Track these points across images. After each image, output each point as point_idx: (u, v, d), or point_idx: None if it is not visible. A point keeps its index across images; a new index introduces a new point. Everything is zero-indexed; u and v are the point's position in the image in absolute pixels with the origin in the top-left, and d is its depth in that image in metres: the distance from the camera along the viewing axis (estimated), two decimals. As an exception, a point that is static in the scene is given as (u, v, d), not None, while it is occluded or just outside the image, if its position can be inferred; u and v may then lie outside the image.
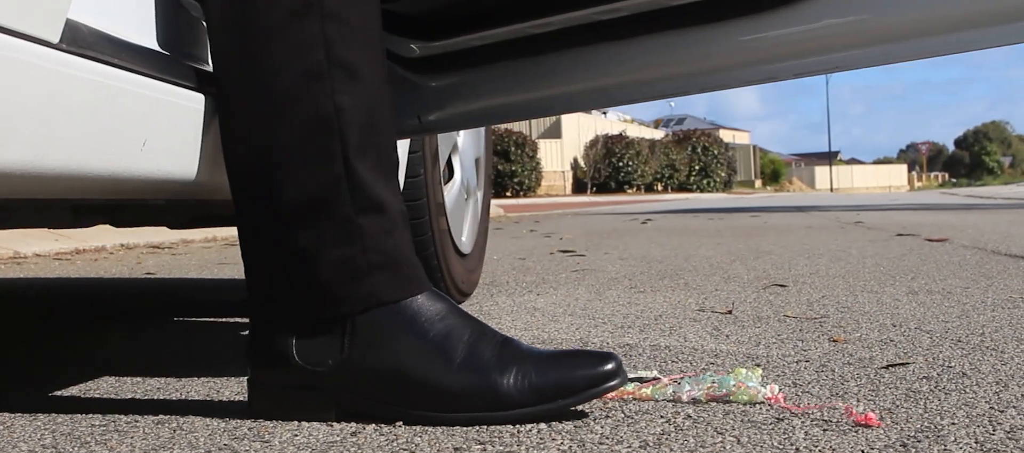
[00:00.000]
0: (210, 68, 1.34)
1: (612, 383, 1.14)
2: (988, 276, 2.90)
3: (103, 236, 5.63)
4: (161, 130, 1.16)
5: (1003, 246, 4.24)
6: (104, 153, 1.06)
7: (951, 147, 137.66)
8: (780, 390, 1.26)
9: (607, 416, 1.18)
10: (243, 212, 1.19)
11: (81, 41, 1.01)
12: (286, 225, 1.16)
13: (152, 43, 1.21)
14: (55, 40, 0.97)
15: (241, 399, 1.34)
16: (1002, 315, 2.03)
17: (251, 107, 1.16)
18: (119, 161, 1.09)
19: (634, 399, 1.27)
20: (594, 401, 1.23)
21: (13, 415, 1.28)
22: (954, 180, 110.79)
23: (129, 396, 1.42)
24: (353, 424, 1.16)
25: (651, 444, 1.06)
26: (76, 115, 1.01)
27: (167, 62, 1.20)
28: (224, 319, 2.36)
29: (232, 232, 5.37)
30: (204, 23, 1.38)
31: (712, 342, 1.80)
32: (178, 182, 1.23)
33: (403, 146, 2.06)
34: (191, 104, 1.22)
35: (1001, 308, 2.15)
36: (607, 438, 1.08)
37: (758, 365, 1.51)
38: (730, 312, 2.21)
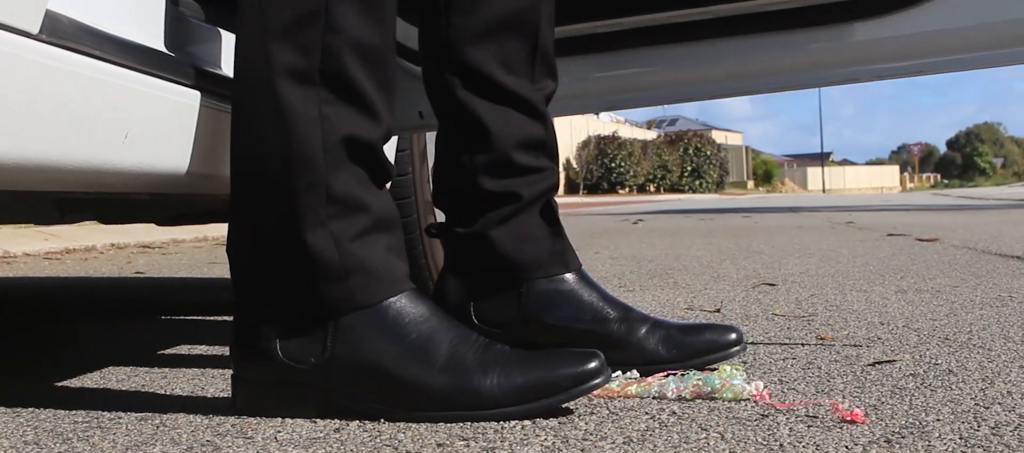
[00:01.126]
0: (199, 64, 1.34)
1: (595, 381, 1.14)
2: (977, 275, 2.90)
3: (93, 236, 5.61)
4: (144, 123, 1.15)
5: (994, 246, 4.24)
6: (85, 145, 1.05)
7: (943, 148, 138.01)
8: (765, 387, 1.26)
9: (592, 413, 1.18)
10: (232, 211, 1.19)
11: (61, 32, 1.00)
12: (265, 225, 1.16)
13: (136, 37, 1.20)
14: (35, 31, 0.96)
15: (225, 396, 1.33)
16: (990, 313, 2.03)
17: (240, 103, 1.17)
18: (101, 153, 1.08)
19: (619, 396, 1.27)
20: (579, 398, 1.22)
21: (-5, 411, 1.27)
22: (946, 181, 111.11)
23: (113, 393, 1.41)
24: (336, 421, 1.15)
25: (635, 440, 1.05)
26: (56, 106, 1.00)
27: (150, 56, 1.19)
28: (211, 318, 2.35)
29: (222, 232, 5.37)
30: (190, 18, 1.38)
31: (700, 340, 1.79)
32: (162, 175, 1.23)
33: (392, 143, 2.06)
34: (176, 98, 1.22)
35: (989, 306, 2.15)
36: (591, 434, 1.08)
37: (744, 362, 1.51)
38: (718, 310, 2.21)
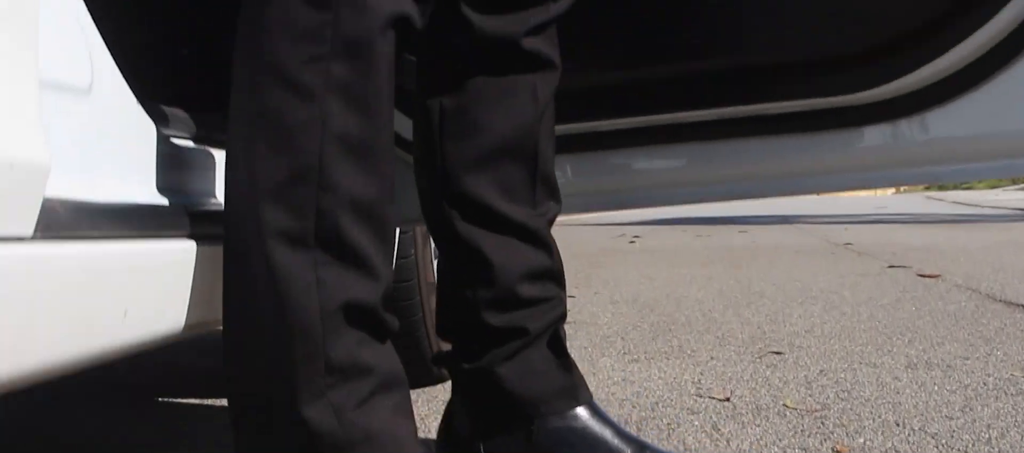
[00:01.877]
0: (193, 203, 1.29)
1: None
2: (986, 339, 2.86)
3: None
4: (142, 294, 1.10)
5: (997, 286, 4.21)
6: (82, 336, 1.00)
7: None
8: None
9: None
10: (228, 379, 1.14)
11: (57, 224, 0.95)
12: (263, 398, 1.11)
13: (129, 193, 1.15)
14: (29, 234, 0.91)
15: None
16: (1006, 407, 2.00)
17: (231, 268, 1.12)
18: (99, 339, 1.03)
19: None
20: None
21: None
22: (940, 183, 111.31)
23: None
24: None
25: None
26: (51, 307, 0.95)
27: (145, 214, 1.14)
28: (210, 402, 2.30)
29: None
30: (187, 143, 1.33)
31: (712, 447, 1.75)
32: (161, 336, 1.18)
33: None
34: (174, 257, 1.16)
35: (1004, 395, 2.11)
36: None
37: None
38: (728, 399, 2.17)
